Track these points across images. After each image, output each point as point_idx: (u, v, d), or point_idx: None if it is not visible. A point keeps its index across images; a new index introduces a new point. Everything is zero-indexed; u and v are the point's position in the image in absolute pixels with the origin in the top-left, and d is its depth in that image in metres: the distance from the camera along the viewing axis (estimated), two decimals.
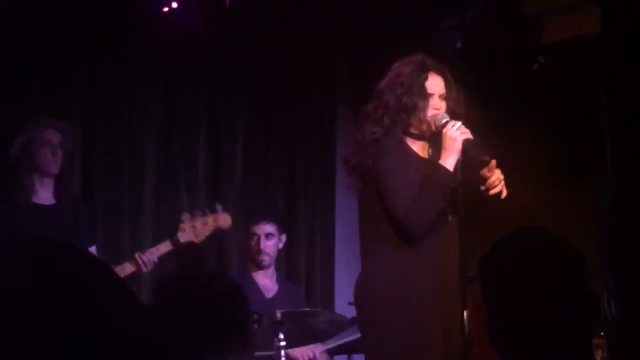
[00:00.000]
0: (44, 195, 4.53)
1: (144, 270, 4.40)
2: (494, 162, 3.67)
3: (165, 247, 4.51)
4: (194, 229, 4.55)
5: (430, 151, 3.80)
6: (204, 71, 5.73)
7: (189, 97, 5.70)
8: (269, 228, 5.18)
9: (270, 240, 5.18)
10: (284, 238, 5.29)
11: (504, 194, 3.70)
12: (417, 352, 3.57)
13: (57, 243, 1.50)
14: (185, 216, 4.57)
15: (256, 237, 5.15)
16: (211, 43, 5.60)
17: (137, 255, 4.43)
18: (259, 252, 5.15)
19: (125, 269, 4.38)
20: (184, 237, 4.53)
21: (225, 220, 4.66)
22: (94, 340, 1.36)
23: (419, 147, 3.80)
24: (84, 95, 5.34)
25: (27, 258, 1.42)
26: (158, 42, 5.38)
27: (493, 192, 3.68)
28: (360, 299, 3.72)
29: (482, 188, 3.68)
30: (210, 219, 4.60)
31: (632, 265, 2.10)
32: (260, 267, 5.18)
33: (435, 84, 3.77)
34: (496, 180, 3.68)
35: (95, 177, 5.33)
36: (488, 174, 3.67)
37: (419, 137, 3.79)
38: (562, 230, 2.07)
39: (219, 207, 4.66)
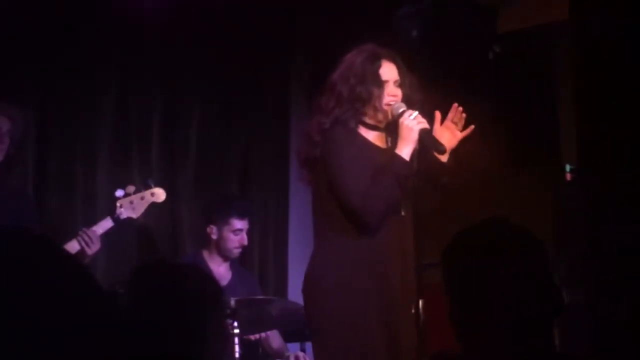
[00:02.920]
0: None
1: (88, 249, 4.37)
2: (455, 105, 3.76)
3: (106, 224, 4.51)
4: (131, 204, 4.56)
5: (389, 140, 3.79)
6: (159, 54, 5.66)
7: (144, 80, 5.64)
8: (248, 223, 5.21)
9: (246, 234, 5.22)
10: None
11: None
12: (358, 341, 3.57)
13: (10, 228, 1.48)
14: (120, 193, 4.57)
15: (240, 232, 5.16)
16: (168, 25, 5.53)
17: (79, 232, 4.41)
18: (240, 246, 5.18)
19: (73, 247, 4.35)
20: (123, 213, 4.55)
21: (160, 194, 4.68)
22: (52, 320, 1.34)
23: (375, 137, 3.80)
24: (38, 77, 5.26)
25: None
26: (113, 23, 5.32)
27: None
28: (307, 286, 3.71)
29: (435, 152, 3.71)
30: (146, 194, 4.62)
31: (598, 256, 2.11)
32: (227, 258, 5.20)
33: (388, 71, 3.78)
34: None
35: (48, 158, 5.26)
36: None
37: (374, 127, 3.79)
38: (517, 216, 2.08)
39: (150, 182, 4.69)
